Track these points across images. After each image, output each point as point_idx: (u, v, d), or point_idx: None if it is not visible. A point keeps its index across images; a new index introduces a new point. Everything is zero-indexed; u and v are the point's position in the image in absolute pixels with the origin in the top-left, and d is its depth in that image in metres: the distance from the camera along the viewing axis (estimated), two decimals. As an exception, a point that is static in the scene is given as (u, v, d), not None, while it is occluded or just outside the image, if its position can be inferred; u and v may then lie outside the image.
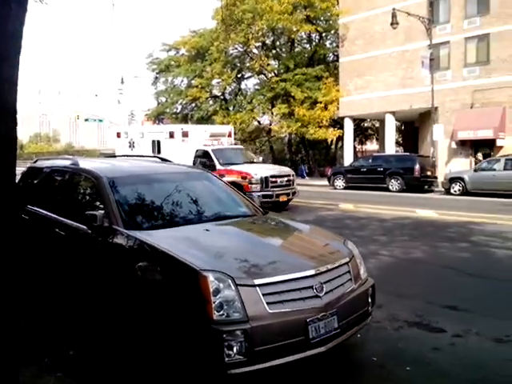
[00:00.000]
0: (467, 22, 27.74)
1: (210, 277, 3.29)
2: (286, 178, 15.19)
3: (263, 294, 3.34)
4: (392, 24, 23.42)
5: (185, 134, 19.82)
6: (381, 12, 30.93)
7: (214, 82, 38.97)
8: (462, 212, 13.64)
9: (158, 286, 3.49)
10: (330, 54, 39.09)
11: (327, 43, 38.73)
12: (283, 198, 14.64)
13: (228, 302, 3.25)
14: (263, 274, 3.48)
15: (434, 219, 12.83)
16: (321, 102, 32.28)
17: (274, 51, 38.19)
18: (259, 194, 13.95)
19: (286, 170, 16.71)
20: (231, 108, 39.99)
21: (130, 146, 21.02)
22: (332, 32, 36.98)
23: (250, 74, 40.33)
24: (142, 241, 3.81)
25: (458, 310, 5.41)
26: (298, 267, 3.65)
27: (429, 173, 23.64)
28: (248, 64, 38.09)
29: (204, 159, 15.92)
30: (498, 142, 25.85)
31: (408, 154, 25.38)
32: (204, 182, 5.38)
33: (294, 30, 33.18)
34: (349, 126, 34.56)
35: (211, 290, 3.25)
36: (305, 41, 39.90)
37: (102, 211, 4.21)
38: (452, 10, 28.28)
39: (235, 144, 19.95)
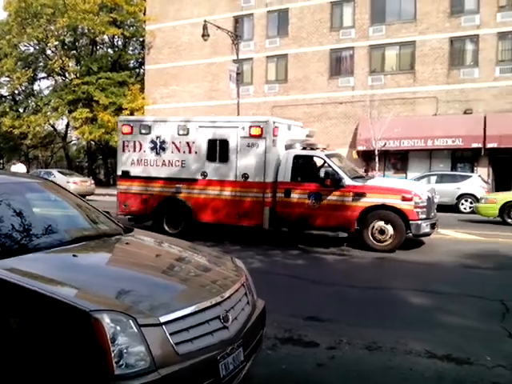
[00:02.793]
0: (269, 42, 29.72)
1: (106, 319, 2.57)
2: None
3: (170, 334, 2.75)
4: (203, 36, 23.68)
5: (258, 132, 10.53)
6: (188, 23, 31.30)
7: (3, 79, 34.81)
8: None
9: (28, 340, 2.61)
10: (136, 61, 38.11)
11: (133, 49, 37.71)
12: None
13: (131, 349, 2.58)
14: (166, 308, 2.86)
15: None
16: (126, 109, 31.17)
17: (74, 52, 35.69)
18: (427, 222, 9.56)
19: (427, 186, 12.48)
20: (21, 110, 36.13)
21: (154, 149, 11.23)
22: (139, 38, 36.16)
23: (44, 75, 37.02)
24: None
25: (321, 320, 5.39)
26: (201, 295, 3.11)
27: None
28: (43, 63, 34.92)
29: (312, 171, 10.35)
30: (296, 155, 28.12)
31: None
32: (45, 193, 4.41)
33: (99, 31, 31.46)
34: (155, 134, 34.12)
35: (108, 335, 2.53)
36: (107, 44, 38.24)
37: None
38: (255, 29, 30.00)
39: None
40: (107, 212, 4.52)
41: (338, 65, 28.25)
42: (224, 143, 10.61)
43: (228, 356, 3.01)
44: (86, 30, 32.96)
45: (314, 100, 27.84)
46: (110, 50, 37.92)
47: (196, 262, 3.75)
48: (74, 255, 3.33)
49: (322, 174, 10.11)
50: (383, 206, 9.45)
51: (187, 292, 3.16)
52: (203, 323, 2.94)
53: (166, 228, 11.07)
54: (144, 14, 32.69)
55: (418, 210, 9.35)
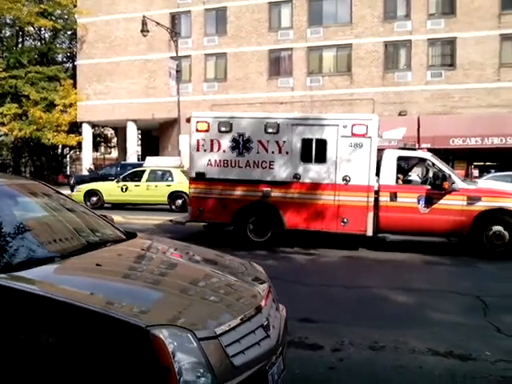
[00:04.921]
0: (207, 40, 29.43)
1: (164, 334, 2.36)
2: None
3: (225, 346, 2.58)
4: (142, 31, 23.08)
5: (362, 130, 9.68)
6: (122, 18, 30.40)
7: None
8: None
9: (78, 362, 2.34)
10: (66, 55, 36.47)
11: (61, 43, 36.01)
12: None
13: (192, 365, 2.38)
14: (215, 319, 2.69)
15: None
16: (58, 105, 29.75)
17: (-3, 43, 33.62)
18: None
19: None
20: None
21: (236, 149, 10.07)
22: (67, 32, 34.61)
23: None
24: (22, 290, 2.54)
25: (315, 321, 5.34)
26: (243, 304, 2.95)
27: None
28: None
29: (417, 174, 10.31)
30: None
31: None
32: (37, 197, 4.04)
33: (26, 22, 29.75)
34: (87, 132, 32.85)
35: (170, 353, 2.33)
36: (34, 36, 36.29)
37: None
38: (193, 27, 29.61)
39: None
40: (104, 216, 4.22)
41: (277, 65, 28.50)
42: (322, 143, 9.71)
43: (273, 366, 2.90)
44: (12, 21, 31.05)
45: (254, 100, 27.89)
46: (37, 42, 35.98)
47: (222, 268, 3.57)
48: (97, 264, 3.07)
49: (432, 176, 9.58)
50: (500, 210, 9.03)
51: (228, 301, 2.99)
52: (250, 333, 2.80)
53: (251, 236, 10.10)
54: (75, 6, 31.29)
55: None
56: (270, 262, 8.59)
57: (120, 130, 36.67)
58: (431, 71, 25.80)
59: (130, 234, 3.98)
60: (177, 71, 25.64)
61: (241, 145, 10.05)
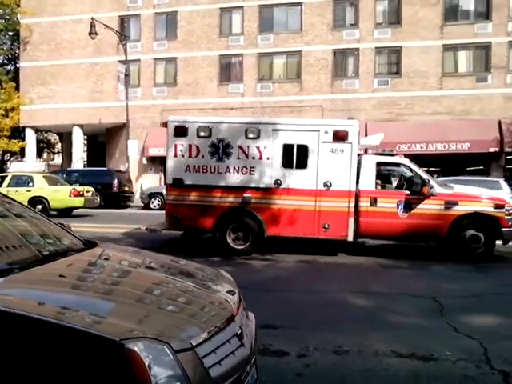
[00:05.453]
0: (157, 44, 29.09)
1: (140, 347, 2.25)
2: None
3: (202, 357, 2.49)
4: (91, 34, 22.56)
5: (343, 136, 9.57)
6: (69, 19, 29.59)
7: None
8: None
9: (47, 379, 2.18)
10: (6, 56, 35.03)
11: (6, 43, 34.59)
12: None
13: (169, 379, 2.27)
14: (189, 330, 2.59)
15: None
16: (0, 108, 28.55)
17: None
18: None
19: None
20: None
21: (216, 155, 9.83)
22: (8, 32, 33.29)
23: None
24: None
25: (277, 327, 5.30)
26: (216, 313, 2.87)
27: (126, 188, 23.62)
28: None
29: (397, 178, 10.22)
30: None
31: (106, 169, 24.77)
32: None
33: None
34: (31, 137, 31.70)
35: (147, 366, 2.22)
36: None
37: None
38: (143, 30, 29.19)
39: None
40: (62, 224, 4.02)
41: (228, 71, 28.53)
42: (303, 148, 9.64)
43: (248, 375, 2.83)
44: None
45: (205, 105, 27.78)
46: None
47: (188, 277, 3.46)
48: (60, 275, 2.90)
49: (411, 181, 9.62)
50: (475, 214, 9.24)
51: (201, 311, 2.90)
52: (225, 343, 2.71)
53: (230, 243, 9.92)
54: (18, 5, 30.18)
55: (509, 217, 9.24)
56: (226, 268, 8.49)
57: (65, 136, 35.59)
58: (378, 79, 26.56)
59: (90, 243, 3.81)
60: (126, 75, 25.20)
61: (221, 150, 9.85)
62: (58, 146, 44.75)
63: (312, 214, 9.50)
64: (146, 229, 10.94)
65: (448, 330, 5.22)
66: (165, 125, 10.26)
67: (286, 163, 9.67)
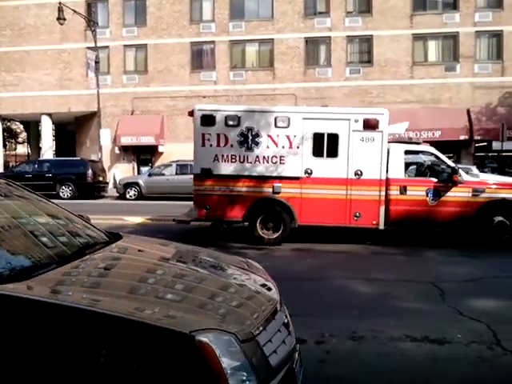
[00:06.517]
0: (126, 31, 28.46)
1: (210, 338, 2.24)
2: None
3: (262, 346, 2.50)
4: (59, 19, 21.84)
5: (374, 124, 9.58)
6: (33, 3, 28.62)
7: None
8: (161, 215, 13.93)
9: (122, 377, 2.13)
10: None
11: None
12: None
13: (238, 369, 2.28)
14: (250, 320, 2.60)
15: (150, 224, 12.66)
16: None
17: None
18: None
19: None
20: None
21: (244, 144, 9.74)
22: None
23: None
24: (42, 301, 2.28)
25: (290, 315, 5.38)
26: (266, 301, 2.88)
27: (100, 178, 23.16)
28: None
29: (426, 166, 10.16)
30: (160, 149, 27.50)
31: (79, 158, 24.18)
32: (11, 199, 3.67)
33: None
34: (-5, 126, 30.65)
35: (219, 358, 2.21)
36: None
37: None
38: (111, 16, 28.49)
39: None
40: (81, 216, 3.93)
41: (200, 58, 28.18)
42: (333, 137, 9.59)
43: (297, 363, 2.86)
44: None
45: (177, 93, 27.43)
46: None
47: (228, 268, 3.44)
48: (105, 268, 2.85)
49: (439, 169, 9.75)
50: (502, 201, 9.44)
51: (251, 301, 2.89)
52: (277, 332, 2.75)
53: (260, 233, 9.88)
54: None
55: None
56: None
57: (32, 125, 34.58)
58: (350, 67, 26.75)
59: (114, 235, 3.74)
60: (96, 62, 24.60)
61: (250, 139, 9.79)
62: (22, 135, 43.45)
63: (343, 203, 9.55)
64: (174, 220, 10.82)
65: (453, 314, 5.38)
66: (191, 114, 10.15)
67: (317, 152, 9.65)
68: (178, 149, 26.35)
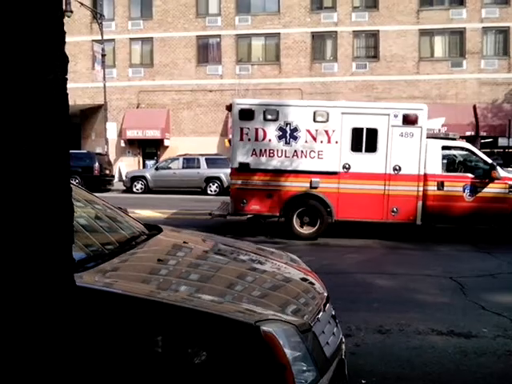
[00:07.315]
0: (131, 24, 28.42)
1: (274, 329, 2.30)
2: None
3: (318, 336, 2.57)
4: (66, 11, 21.80)
5: (413, 120, 9.61)
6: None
7: None
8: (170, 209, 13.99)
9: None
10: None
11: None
12: None
13: (300, 359, 2.34)
14: (306, 311, 2.67)
15: (159, 218, 12.73)
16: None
17: None
18: None
19: None
20: None
21: (283, 138, 9.75)
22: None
23: None
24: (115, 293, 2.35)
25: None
26: (316, 293, 2.96)
27: (107, 171, 23.21)
28: None
29: (462, 162, 10.11)
30: (165, 142, 27.54)
31: (86, 151, 24.21)
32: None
33: None
34: None
35: (283, 348, 2.28)
36: None
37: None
38: (117, 9, 28.44)
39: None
40: (120, 208, 4.00)
41: (206, 52, 28.16)
42: (372, 132, 9.59)
43: (344, 355, 2.94)
44: None
45: (183, 86, 27.44)
46: None
47: (272, 261, 3.51)
48: (159, 259, 2.92)
49: (476, 165, 9.78)
50: None
51: (303, 293, 2.97)
52: (327, 323, 2.82)
53: (297, 228, 9.89)
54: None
55: None
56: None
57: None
58: (356, 62, 26.76)
59: (154, 227, 3.81)
60: (102, 55, 24.60)
61: (288, 134, 9.78)
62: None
63: (381, 198, 9.58)
64: (210, 214, 10.79)
65: (476, 308, 5.45)
66: (229, 108, 10.17)
67: (355, 147, 9.64)
68: (183, 142, 26.46)
